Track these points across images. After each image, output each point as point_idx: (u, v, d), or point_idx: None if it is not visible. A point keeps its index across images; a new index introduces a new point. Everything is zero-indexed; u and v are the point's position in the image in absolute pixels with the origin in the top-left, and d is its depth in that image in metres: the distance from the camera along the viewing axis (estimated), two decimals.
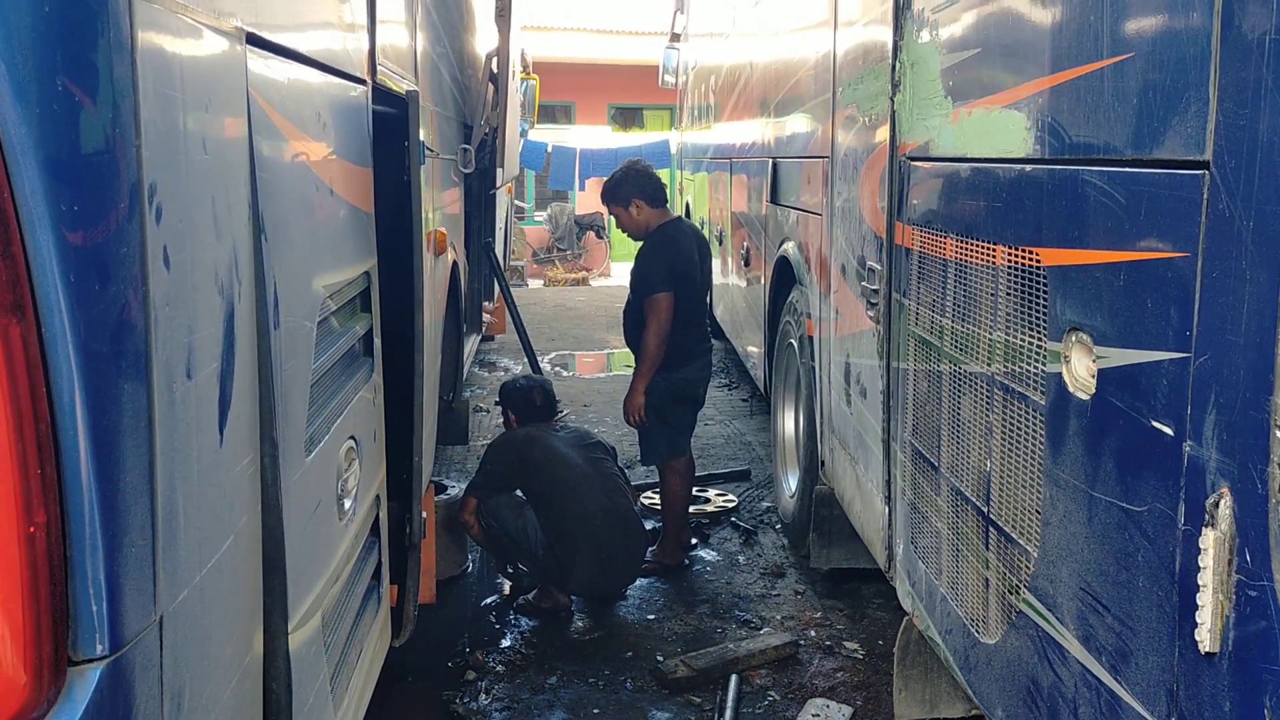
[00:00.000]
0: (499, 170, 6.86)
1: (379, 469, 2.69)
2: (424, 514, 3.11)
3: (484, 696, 3.90)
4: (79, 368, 1.08)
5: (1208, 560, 1.52)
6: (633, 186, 4.99)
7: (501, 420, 5.09)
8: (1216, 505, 1.52)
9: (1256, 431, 1.44)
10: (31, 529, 1.06)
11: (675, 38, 12.73)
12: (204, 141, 1.42)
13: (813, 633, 4.37)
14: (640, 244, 5.03)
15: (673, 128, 15.25)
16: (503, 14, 5.90)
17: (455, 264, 5.12)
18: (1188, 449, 1.60)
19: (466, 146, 5.20)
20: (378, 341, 2.64)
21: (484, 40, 6.40)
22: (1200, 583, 1.54)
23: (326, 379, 2.13)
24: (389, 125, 2.88)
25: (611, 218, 5.66)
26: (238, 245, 1.54)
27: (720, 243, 8.29)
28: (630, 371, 5.08)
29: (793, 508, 5.21)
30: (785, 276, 5.38)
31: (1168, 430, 1.65)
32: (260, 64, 1.67)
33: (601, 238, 17.96)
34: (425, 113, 3.56)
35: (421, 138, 2.93)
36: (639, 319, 4.90)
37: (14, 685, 1.07)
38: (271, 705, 1.73)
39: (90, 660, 1.13)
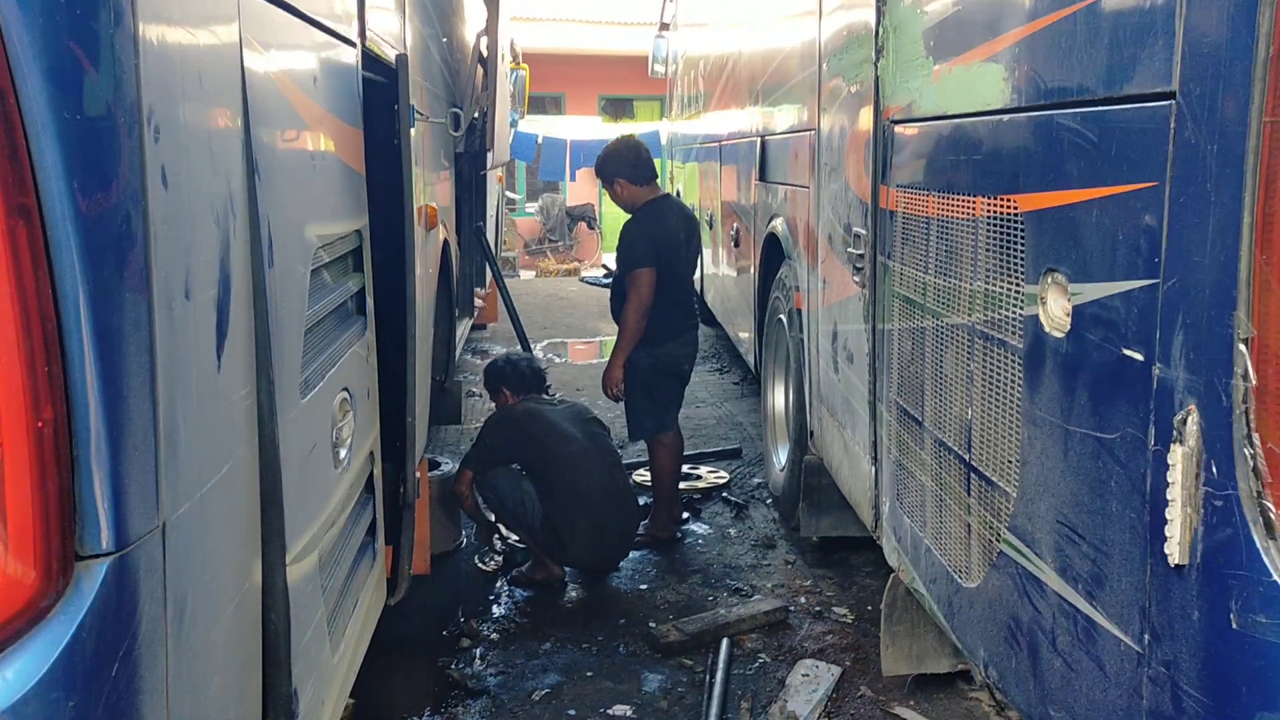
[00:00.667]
0: (489, 153, 6.90)
1: (372, 427, 2.73)
2: (418, 475, 3.15)
3: (479, 662, 3.95)
4: (83, 272, 1.13)
5: (1176, 475, 1.58)
6: (615, 166, 5.06)
7: (493, 403, 5.13)
8: (1184, 422, 1.57)
9: (1221, 347, 1.49)
10: (40, 424, 1.11)
11: (664, 27, 12.75)
12: (199, 75, 1.46)
13: (803, 599, 4.42)
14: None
15: (662, 118, 15.28)
16: None
17: (447, 242, 5.16)
18: (1157, 371, 1.65)
19: (457, 110, 5.23)
20: (370, 302, 2.69)
21: (473, 25, 6.44)
22: (1169, 498, 1.59)
23: (320, 328, 2.17)
24: (378, 94, 2.93)
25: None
26: (232, 181, 1.59)
27: (711, 227, 8.34)
28: None
29: (783, 480, 5.26)
30: (774, 254, 5.43)
31: (1138, 356, 1.70)
32: (252, 8, 1.72)
33: (593, 229, 18.00)
34: (415, 87, 3.60)
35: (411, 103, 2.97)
36: (623, 293, 4.95)
37: (25, 575, 1.12)
38: (270, 634, 1.78)
39: (97, 556, 1.17)
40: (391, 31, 3.21)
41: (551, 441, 4.52)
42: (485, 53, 6.17)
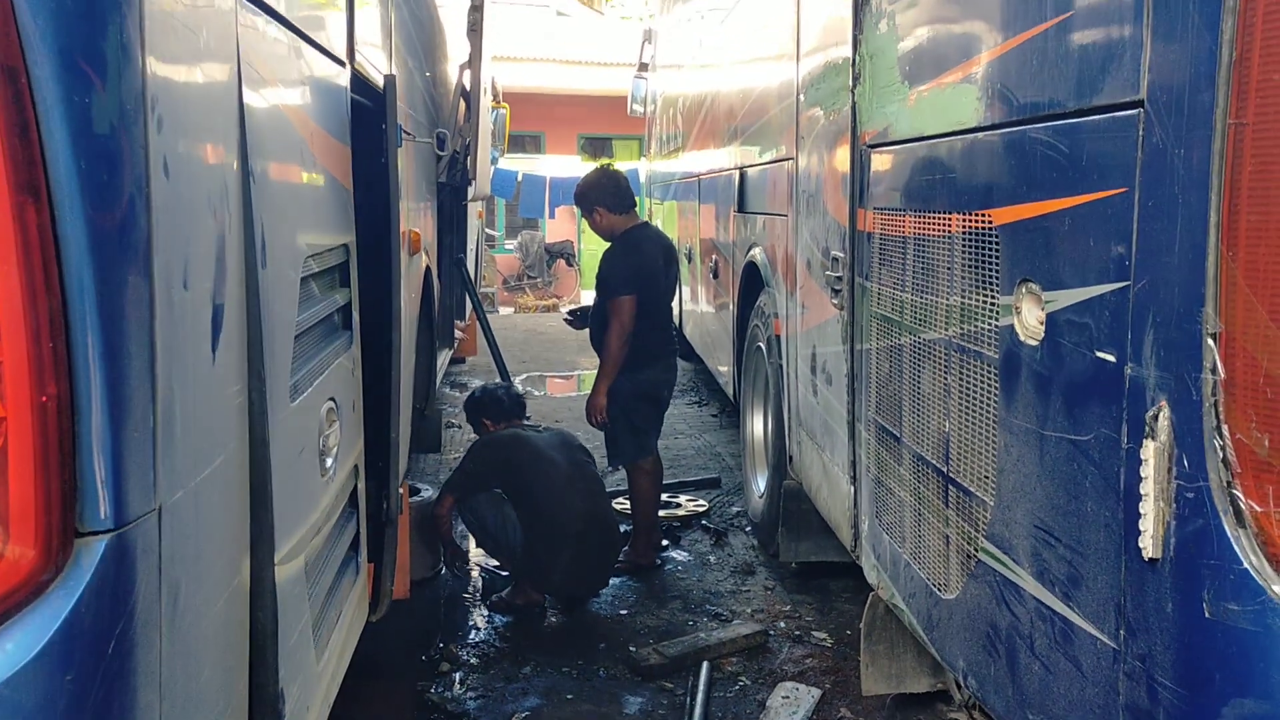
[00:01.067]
0: (471, 185, 6.96)
1: (357, 440, 2.75)
2: (400, 492, 3.17)
3: (458, 686, 3.94)
4: (89, 251, 1.16)
5: (1148, 470, 1.62)
6: (595, 195, 5.12)
7: (475, 431, 5.14)
8: (1156, 418, 1.62)
9: (1190, 343, 1.54)
10: (44, 399, 1.13)
11: (643, 67, 12.90)
12: (199, 72, 1.50)
13: (782, 624, 4.44)
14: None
15: (641, 156, 15.42)
16: (474, 29, 6.02)
17: (429, 269, 5.19)
18: (1129, 371, 1.70)
19: (442, 131, 5.29)
20: (356, 317, 2.72)
21: (456, 59, 6.51)
22: (1142, 492, 1.63)
23: (309, 336, 2.20)
24: (366, 118, 2.97)
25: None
26: (228, 179, 1.62)
27: (690, 261, 8.41)
28: None
29: (762, 507, 5.29)
30: (753, 283, 5.49)
31: (1110, 357, 1.75)
32: (248, 18, 1.76)
33: (571, 265, 18.09)
34: (400, 114, 3.66)
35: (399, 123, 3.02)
36: (604, 321, 4.99)
37: (25, 549, 1.14)
38: (258, 632, 1.79)
39: (96, 533, 1.19)
40: (379, 55, 3.26)
41: (537, 467, 4.52)
42: (468, 86, 6.24)
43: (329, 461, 2.33)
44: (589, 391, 5.09)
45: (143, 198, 1.26)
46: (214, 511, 1.56)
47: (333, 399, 2.38)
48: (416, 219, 4.61)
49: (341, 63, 2.66)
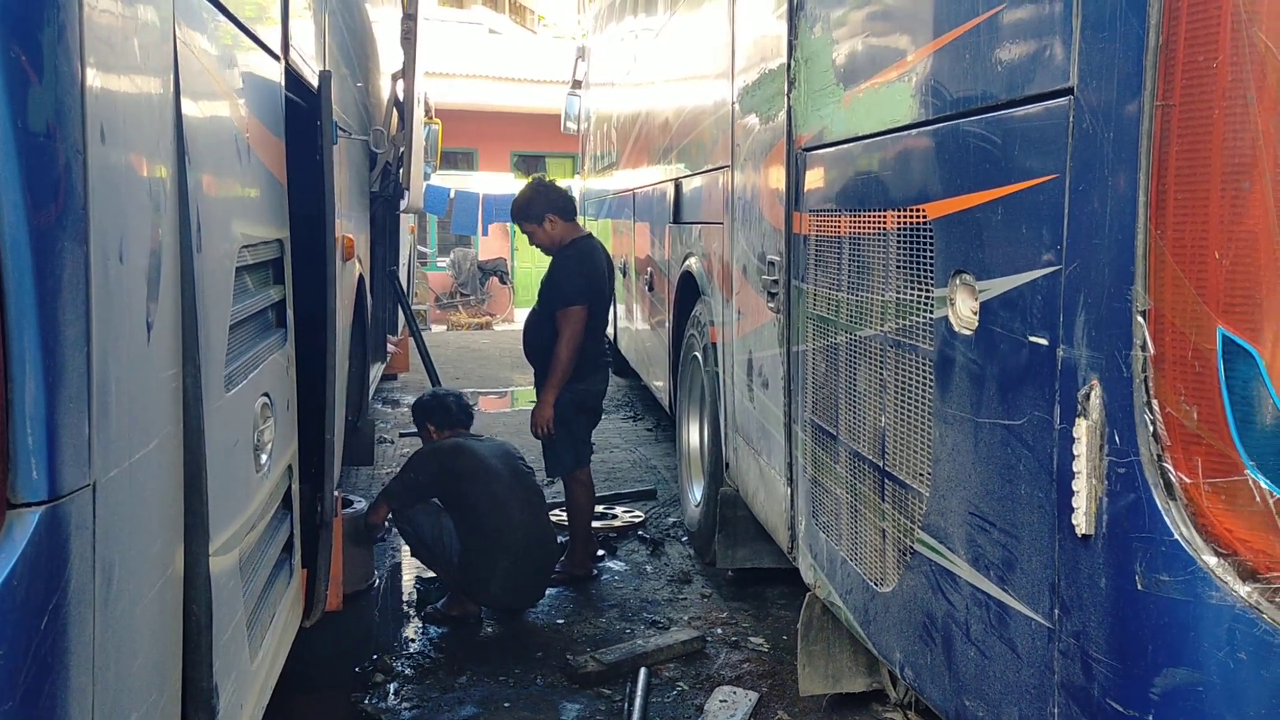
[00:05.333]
0: (405, 195, 6.91)
1: (291, 440, 2.71)
2: (335, 494, 3.12)
3: (393, 697, 3.89)
4: (25, 213, 1.13)
5: (1081, 449, 1.66)
6: (545, 202, 5.10)
7: (419, 436, 5.07)
8: (1088, 396, 1.66)
9: (1120, 321, 1.58)
10: None
11: (577, 84, 12.93)
12: (135, 45, 1.48)
13: (719, 630, 4.45)
14: (552, 258, 5.12)
15: (575, 174, 15.44)
16: (408, 38, 5.99)
17: (362, 278, 5.14)
18: (1061, 353, 1.74)
19: (379, 129, 5.25)
20: (290, 315, 2.68)
21: (388, 71, 6.46)
22: (1075, 470, 1.67)
23: (244, 329, 2.17)
24: (300, 117, 2.94)
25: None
26: (165, 156, 1.60)
27: (625, 275, 8.43)
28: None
29: (698, 516, 5.30)
30: (689, 294, 5.52)
31: (1043, 341, 1.79)
32: (185, 2, 1.74)
33: (505, 283, 18.02)
34: (334, 116, 3.62)
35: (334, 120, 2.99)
36: (546, 330, 4.97)
37: None
38: (192, 624, 1.75)
39: (29, 504, 1.16)
40: (313, 54, 3.24)
41: (478, 477, 4.48)
42: (401, 96, 6.21)
43: (263, 457, 2.30)
44: (524, 407, 5.07)
45: (80, 162, 1.23)
46: (149, 494, 1.52)
47: (267, 395, 2.35)
48: (349, 225, 4.56)
49: (276, 57, 2.63)
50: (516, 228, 5.31)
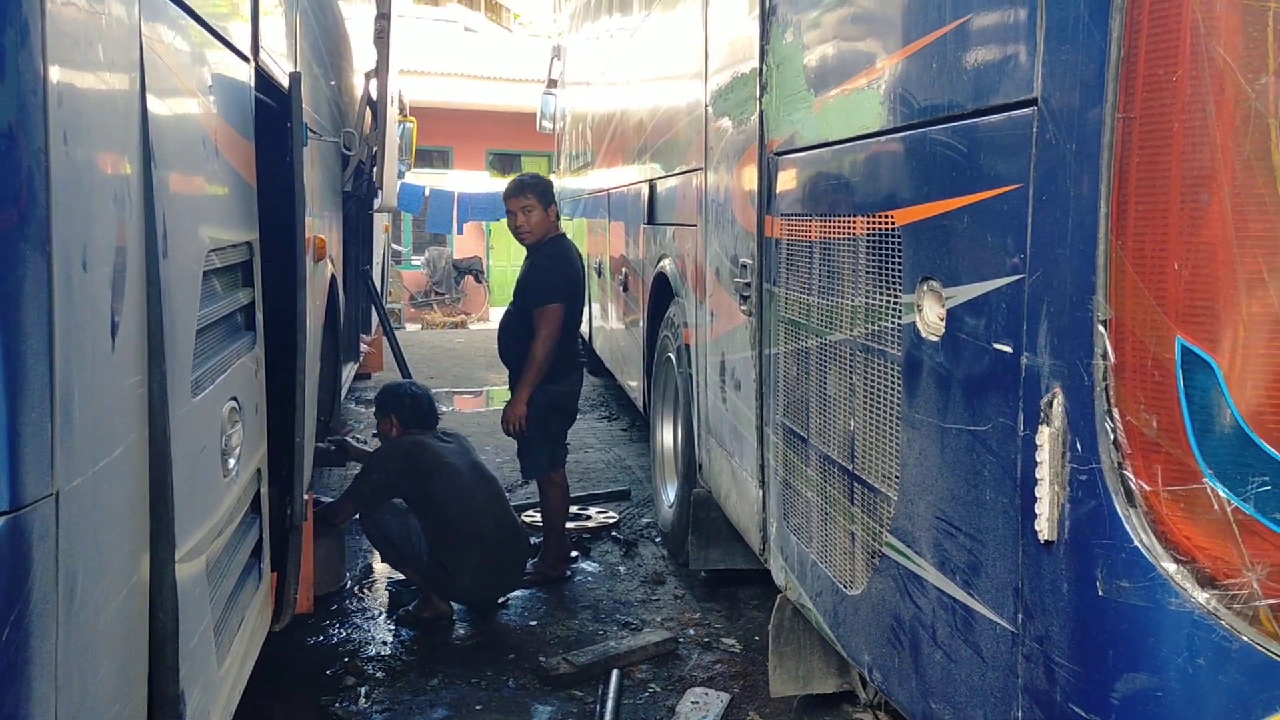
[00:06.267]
0: (378, 195, 6.88)
1: (260, 444, 2.70)
2: (305, 498, 3.11)
3: (364, 700, 3.87)
4: None
5: (1044, 455, 1.68)
6: (544, 190, 5.10)
7: (378, 431, 5.01)
8: (1050, 404, 1.67)
9: (1082, 330, 1.60)
10: None
11: (553, 83, 12.92)
12: (100, 50, 1.47)
13: (692, 631, 4.46)
14: (529, 251, 5.11)
15: (551, 173, 15.43)
16: (381, 36, 5.97)
17: (334, 278, 5.12)
18: (1024, 361, 1.75)
19: (350, 131, 5.23)
20: (259, 318, 2.67)
21: (361, 70, 6.44)
22: (1038, 477, 1.69)
23: (212, 333, 2.16)
24: (270, 118, 2.93)
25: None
26: (130, 158, 1.59)
27: (600, 275, 8.43)
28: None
29: (672, 517, 5.31)
30: (663, 295, 5.52)
31: (1007, 349, 1.81)
32: (152, 3, 1.73)
33: (480, 282, 17.97)
34: (305, 117, 3.61)
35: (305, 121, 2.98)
36: (522, 329, 4.96)
37: None
38: (158, 631, 1.74)
39: None
40: (283, 55, 3.22)
41: (441, 475, 4.48)
42: (374, 95, 6.18)
43: (231, 462, 2.29)
44: (498, 407, 5.05)
45: (42, 171, 1.23)
46: (113, 503, 1.52)
47: (235, 399, 2.34)
48: (321, 225, 4.55)
49: (246, 58, 2.62)
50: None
